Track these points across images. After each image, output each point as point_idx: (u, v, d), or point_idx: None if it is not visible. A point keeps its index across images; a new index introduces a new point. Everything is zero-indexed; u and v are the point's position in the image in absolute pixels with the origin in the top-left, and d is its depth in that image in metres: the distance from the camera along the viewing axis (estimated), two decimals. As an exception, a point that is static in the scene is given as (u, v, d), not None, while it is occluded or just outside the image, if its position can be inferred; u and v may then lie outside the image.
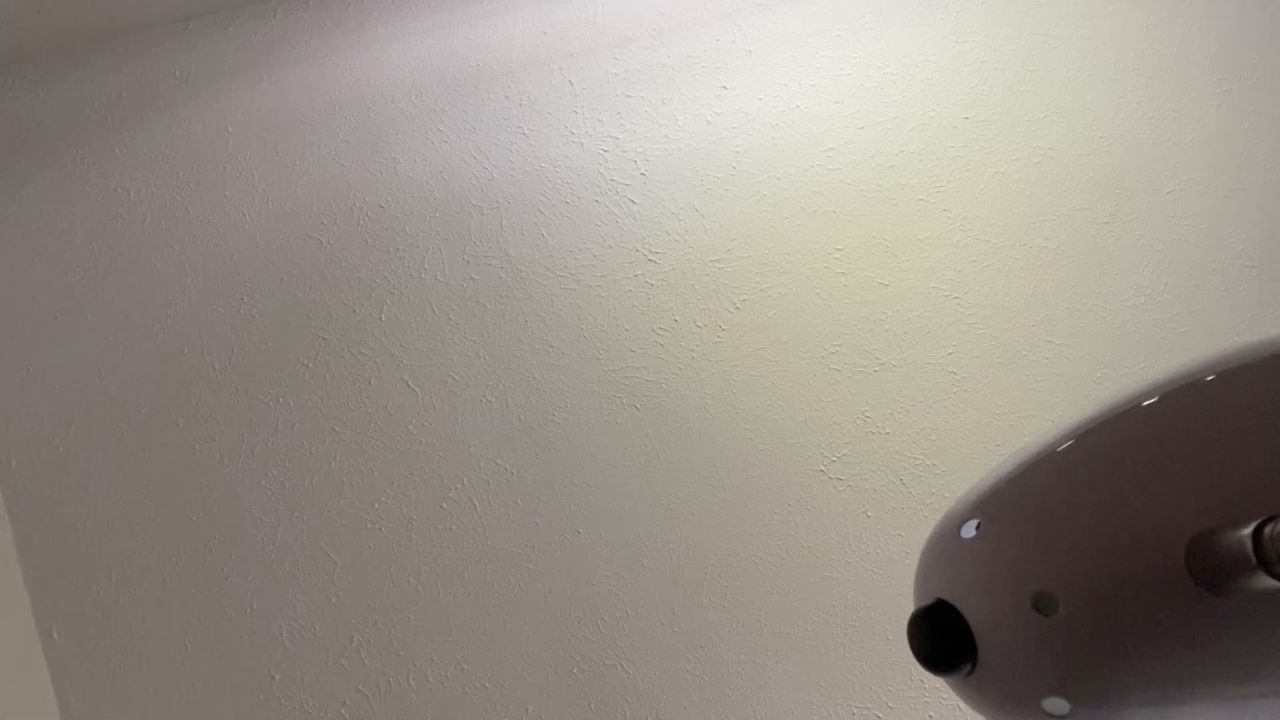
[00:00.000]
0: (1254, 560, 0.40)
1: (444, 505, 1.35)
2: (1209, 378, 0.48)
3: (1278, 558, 0.39)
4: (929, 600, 0.52)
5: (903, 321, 1.39)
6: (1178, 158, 1.43)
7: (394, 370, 1.37)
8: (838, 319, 1.39)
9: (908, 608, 0.53)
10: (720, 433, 1.37)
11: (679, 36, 1.41)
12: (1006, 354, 1.39)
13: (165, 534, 1.33)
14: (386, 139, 1.39)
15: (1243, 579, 0.41)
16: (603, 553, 1.35)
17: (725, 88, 1.41)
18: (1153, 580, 0.44)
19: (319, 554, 1.34)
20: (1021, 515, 0.50)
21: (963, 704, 0.52)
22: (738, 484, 1.36)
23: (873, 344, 1.39)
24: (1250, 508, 0.42)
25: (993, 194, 1.41)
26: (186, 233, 1.38)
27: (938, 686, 1.32)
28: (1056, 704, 0.47)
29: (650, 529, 1.35)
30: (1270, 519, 0.40)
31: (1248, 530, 0.41)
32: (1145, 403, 0.49)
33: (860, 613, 1.35)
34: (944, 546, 0.53)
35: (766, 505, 1.36)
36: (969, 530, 0.51)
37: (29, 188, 1.37)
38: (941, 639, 0.50)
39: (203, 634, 1.33)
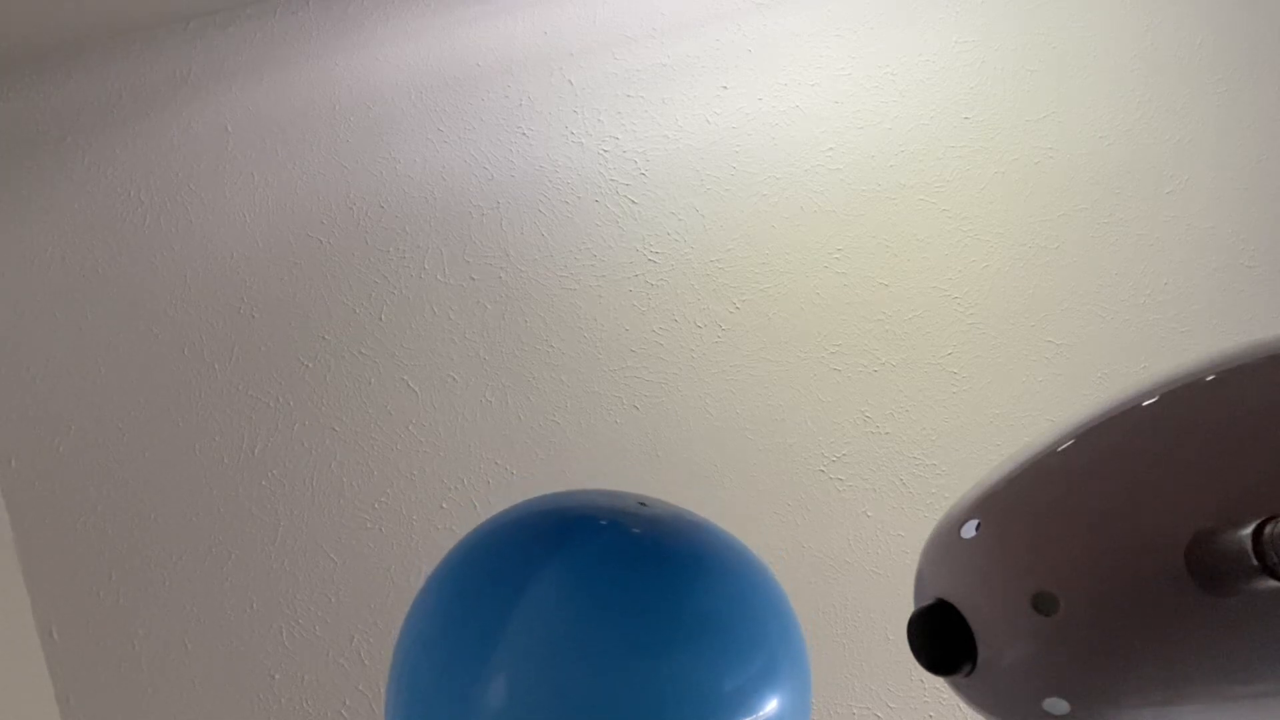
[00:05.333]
0: (1254, 560, 0.40)
1: (444, 505, 1.35)
2: (1209, 378, 0.48)
3: (1278, 558, 0.39)
4: (929, 600, 0.52)
5: (903, 321, 1.39)
6: (1178, 157, 1.43)
7: (394, 370, 1.37)
8: (838, 319, 1.39)
9: (908, 608, 0.53)
10: (720, 433, 1.37)
11: (679, 36, 1.41)
12: (1006, 354, 1.39)
13: (165, 534, 1.33)
14: (386, 139, 1.39)
15: (1243, 579, 0.41)
16: (603, 553, 1.35)
17: (725, 88, 1.41)
18: (1153, 580, 0.44)
19: (319, 554, 1.34)
20: (1021, 515, 0.50)
21: (963, 704, 0.52)
22: (738, 484, 1.36)
23: (873, 344, 1.39)
24: (1250, 508, 0.42)
25: (993, 194, 1.41)
26: (186, 233, 1.38)
27: (938, 686, 1.32)
28: (1056, 704, 0.47)
29: (650, 529, 1.35)
30: (1270, 519, 0.40)
31: (1248, 530, 0.41)
32: (1145, 403, 0.49)
33: (860, 613, 1.35)
34: (944, 546, 0.53)
35: (766, 505, 1.36)
36: (969, 530, 0.51)
37: (29, 187, 1.37)
38: (941, 639, 0.50)
39: (203, 634, 1.33)
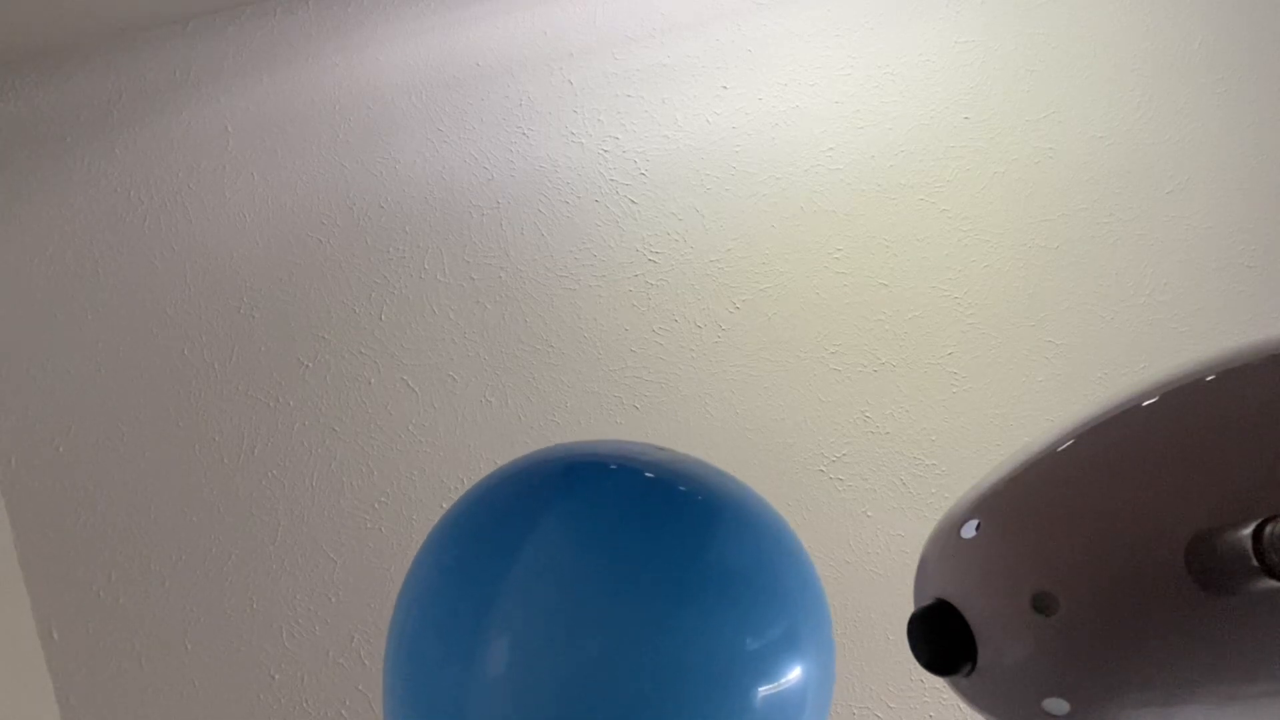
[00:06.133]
0: (1254, 560, 0.40)
1: (444, 505, 1.35)
2: (1209, 378, 0.48)
3: (1278, 558, 0.39)
4: (929, 600, 0.52)
5: (903, 321, 1.39)
6: (1177, 157, 1.43)
7: (394, 370, 1.37)
8: (838, 319, 1.39)
9: (907, 608, 0.53)
10: (720, 433, 1.37)
11: (679, 36, 1.41)
12: (1006, 354, 1.39)
13: (165, 534, 1.33)
14: (386, 139, 1.39)
15: (1243, 579, 0.41)
16: (603, 553, 1.35)
17: (725, 88, 1.41)
18: (1153, 580, 0.44)
19: (319, 554, 1.34)
20: (1021, 515, 0.50)
21: (963, 704, 0.52)
22: (738, 484, 1.36)
23: (873, 344, 1.39)
24: (1250, 508, 0.42)
25: (993, 194, 1.41)
26: (186, 233, 1.38)
27: (938, 686, 1.32)
28: (1056, 704, 0.47)
29: (650, 529, 1.35)
30: (1270, 519, 0.40)
31: (1248, 530, 0.41)
32: (1145, 403, 0.49)
33: (860, 613, 1.35)
34: (944, 546, 0.53)
35: (766, 505, 1.36)
36: (969, 530, 0.51)
37: (29, 188, 1.37)
38: (942, 639, 0.50)
39: (203, 634, 1.32)
